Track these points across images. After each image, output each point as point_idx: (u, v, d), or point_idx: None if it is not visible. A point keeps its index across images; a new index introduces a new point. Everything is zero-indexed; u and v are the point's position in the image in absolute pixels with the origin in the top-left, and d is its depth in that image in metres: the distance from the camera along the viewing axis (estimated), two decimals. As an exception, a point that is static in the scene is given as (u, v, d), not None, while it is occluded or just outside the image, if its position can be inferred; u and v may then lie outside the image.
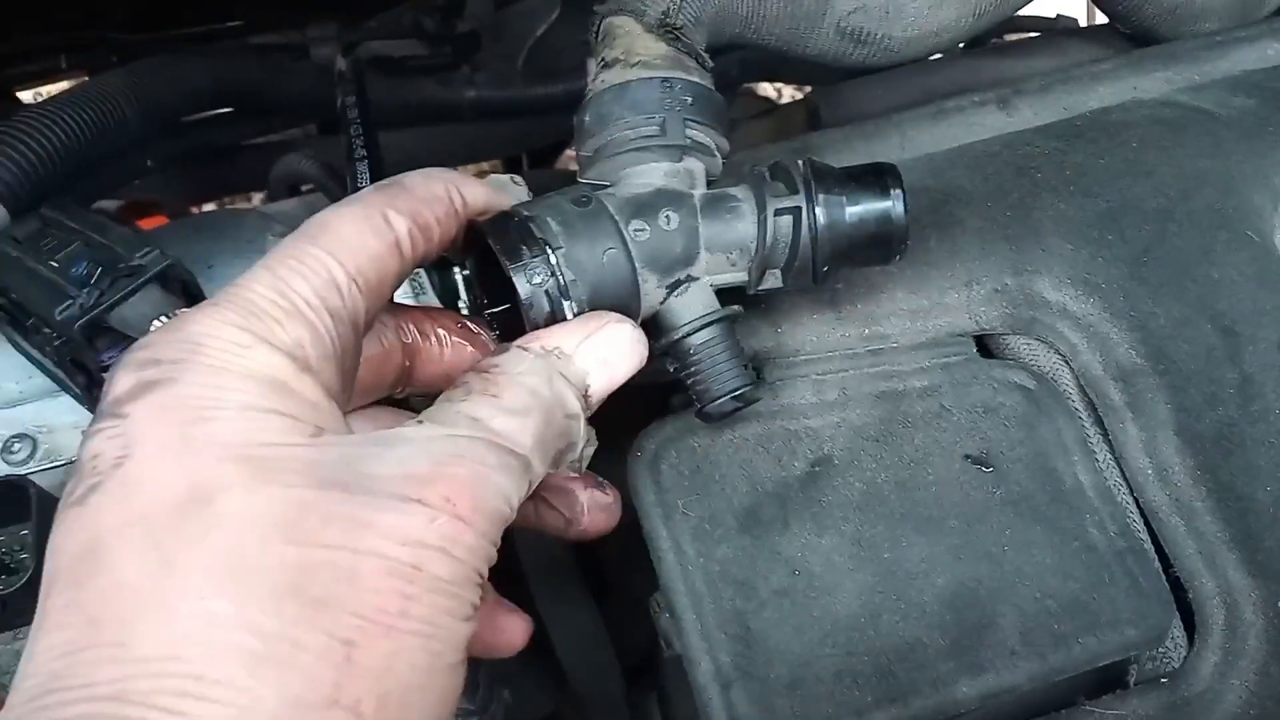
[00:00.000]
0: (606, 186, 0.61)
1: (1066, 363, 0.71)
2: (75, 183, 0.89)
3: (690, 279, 0.59)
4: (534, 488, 0.47)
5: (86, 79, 1.19)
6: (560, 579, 0.91)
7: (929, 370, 0.71)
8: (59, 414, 0.78)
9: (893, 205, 0.59)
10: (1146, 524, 0.68)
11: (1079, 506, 0.66)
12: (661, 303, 0.59)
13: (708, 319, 0.60)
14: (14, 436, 0.77)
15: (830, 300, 0.73)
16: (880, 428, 0.69)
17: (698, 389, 0.62)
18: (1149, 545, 0.67)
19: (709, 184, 0.62)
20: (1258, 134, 0.76)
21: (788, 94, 2.65)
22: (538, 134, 1.60)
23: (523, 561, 0.92)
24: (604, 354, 0.52)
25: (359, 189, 0.88)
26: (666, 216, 0.58)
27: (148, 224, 1.69)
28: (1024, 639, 0.63)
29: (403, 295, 0.94)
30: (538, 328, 0.54)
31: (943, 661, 0.62)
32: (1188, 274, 0.70)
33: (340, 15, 1.48)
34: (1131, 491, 0.68)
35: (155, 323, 0.70)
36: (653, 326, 0.60)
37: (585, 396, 0.51)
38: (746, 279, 0.61)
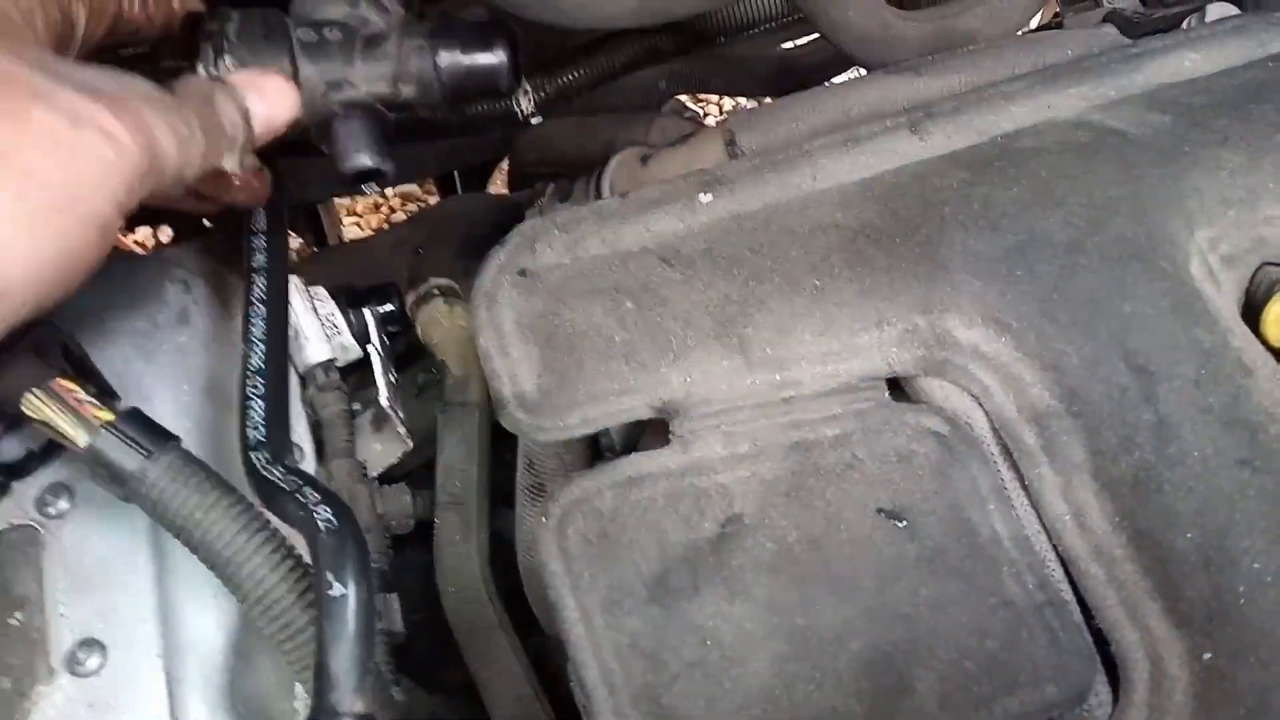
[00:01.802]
0: None
1: (980, 405, 0.69)
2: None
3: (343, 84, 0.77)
4: (193, 163, 0.62)
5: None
6: (488, 634, 0.88)
7: (841, 418, 0.68)
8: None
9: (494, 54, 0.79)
10: (1066, 574, 0.66)
11: (995, 558, 0.64)
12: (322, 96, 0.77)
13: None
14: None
15: (740, 345, 0.70)
16: (791, 481, 0.66)
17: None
18: (1069, 596, 0.65)
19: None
20: (1172, 156, 0.74)
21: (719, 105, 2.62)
22: (467, 152, 1.56)
23: (450, 622, 0.89)
24: (260, 85, 0.71)
25: (254, 229, 0.85)
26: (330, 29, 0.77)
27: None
28: (942, 703, 0.61)
29: (312, 338, 0.91)
30: None
31: (860, 729, 0.60)
32: (1099, 309, 0.68)
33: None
34: (1050, 539, 0.66)
35: (28, 395, 0.66)
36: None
37: (247, 118, 0.69)
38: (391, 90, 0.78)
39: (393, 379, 0.92)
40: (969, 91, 0.84)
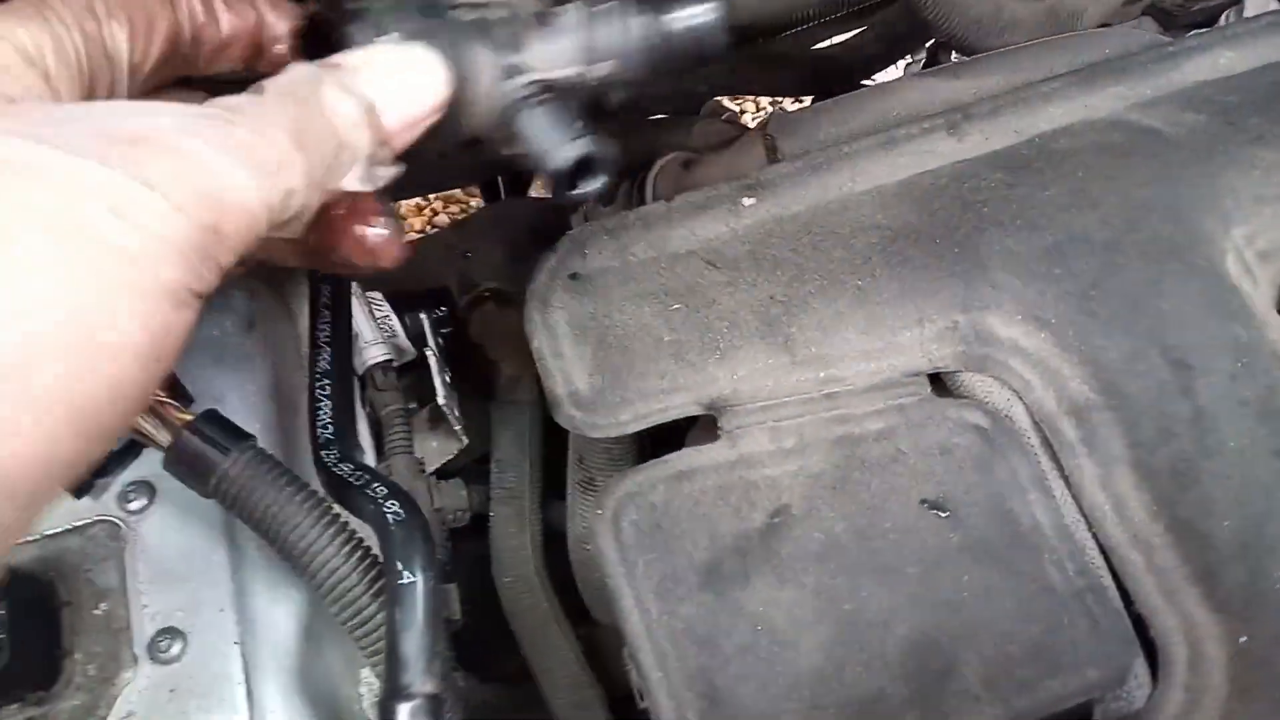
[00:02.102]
0: None
1: (1020, 399, 0.71)
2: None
3: (523, 69, 0.60)
4: (298, 193, 0.43)
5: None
6: (543, 624, 0.91)
7: (885, 412, 0.71)
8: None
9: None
10: (1106, 561, 0.68)
11: (1037, 546, 0.66)
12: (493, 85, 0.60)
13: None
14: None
15: (785, 344, 0.73)
16: (837, 474, 0.69)
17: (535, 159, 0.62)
18: (1109, 583, 0.67)
19: None
20: (1207, 155, 0.76)
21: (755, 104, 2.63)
22: (508, 160, 1.59)
23: (504, 608, 0.93)
24: (396, 70, 0.51)
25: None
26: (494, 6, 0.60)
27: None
28: (986, 685, 0.63)
29: (370, 341, 0.95)
30: None
31: (907, 711, 0.63)
32: (1137, 306, 0.70)
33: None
34: (1090, 528, 0.68)
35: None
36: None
37: (373, 114, 0.48)
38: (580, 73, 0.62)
39: (448, 379, 0.95)
40: (1006, 92, 0.86)
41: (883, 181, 0.80)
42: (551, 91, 0.61)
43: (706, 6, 0.63)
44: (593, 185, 0.61)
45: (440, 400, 0.93)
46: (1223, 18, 1.03)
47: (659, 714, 0.64)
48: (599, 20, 0.62)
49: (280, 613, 0.75)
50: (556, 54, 0.61)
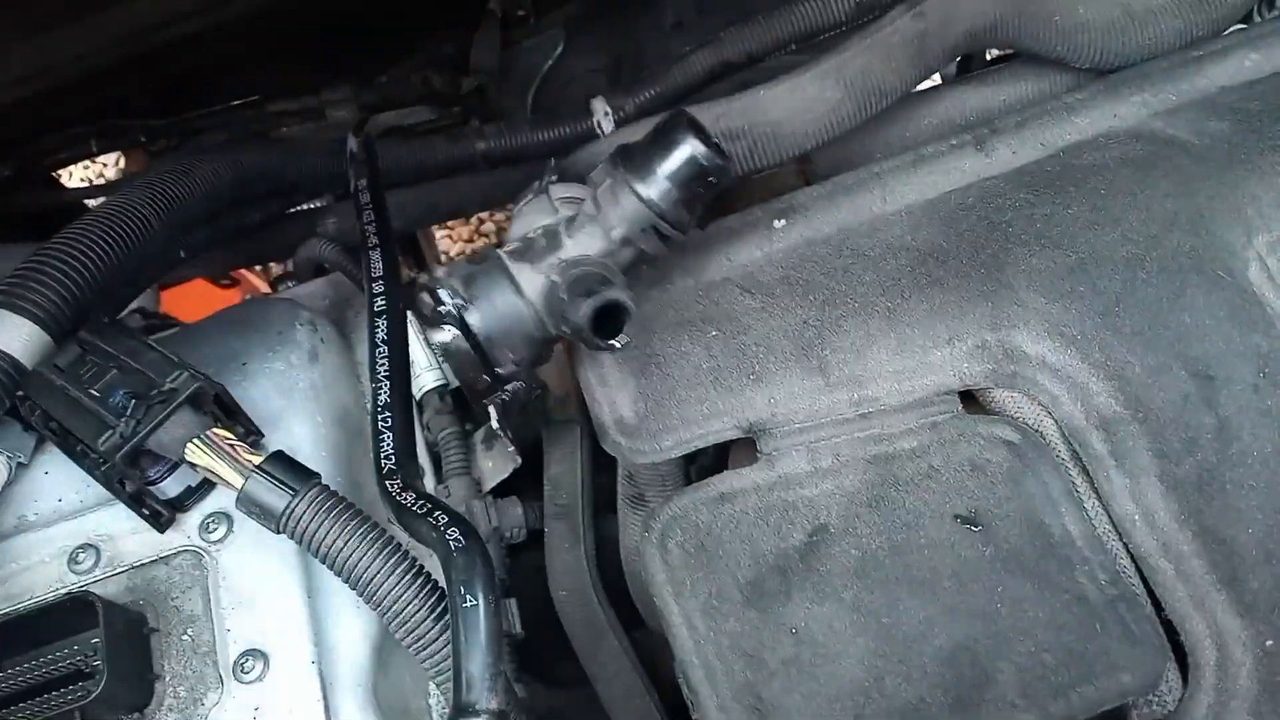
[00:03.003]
0: None
1: (1049, 414, 0.73)
2: (109, 296, 0.94)
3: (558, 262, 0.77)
4: None
5: (111, 173, 1.24)
6: (599, 635, 0.95)
7: (917, 431, 0.73)
8: (118, 521, 0.83)
9: (691, 147, 0.74)
10: (1137, 570, 0.70)
11: (1069, 557, 0.69)
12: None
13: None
14: (79, 547, 0.82)
15: (819, 367, 0.76)
16: (873, 492, 0.72)
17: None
18: (1140, 591, 0.69)
19: None
20: (1229, 164, 0.77)
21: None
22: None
23: (563, 623, 0.96)
24: None
25: (373, 276, 0.93)
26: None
27: (186, 290, 1.76)
28: (1023, 692, 0.66)
29: (426, 366, 0.99)
30: None
31: (946, 719, 0.65)
32: (1160, 320, 0.71)
33: (352, 77, 1.52)
34: (1120, 538, 0.70)
35: (190, 444, 0.75)
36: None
37: None
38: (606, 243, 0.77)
39: (500, 404, 0.99)
40: (1033, 104, 0.87)
41: (911, 201, 0.82)
42: (572, 262, 0.74)
43: (684, 146, 0.74)
44: (619, 338, 0.73)
45: (494, 421, 0.97)
46: (1254, 15, 1.03)
47: (709, 726, 0.67)
48: (610, 203, 0.76)
49: (353, 633, 0.80)
50: (582, 242, 0.76)
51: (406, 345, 0.89)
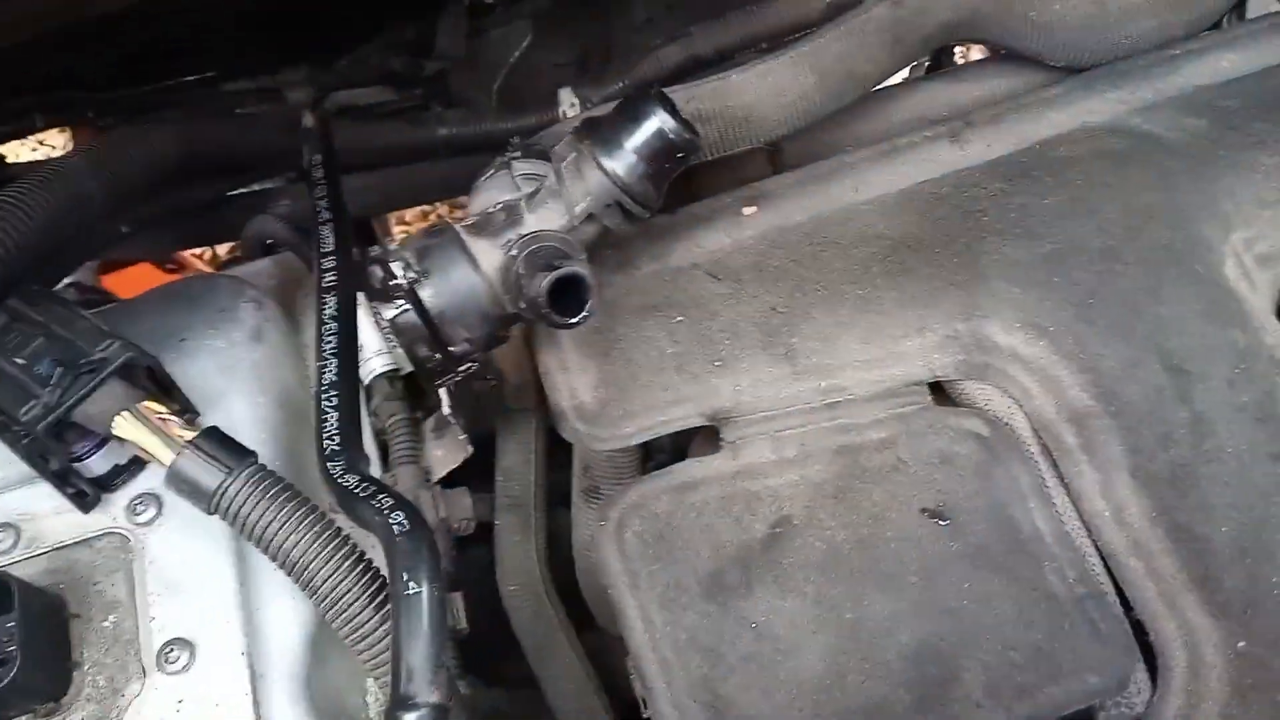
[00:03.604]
0: None
1: (1020, 407, 0.71)
2: (45, 263, 0.90)
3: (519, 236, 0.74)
4: None
5: (60, 150, 1.20)
6: (548, 632, 0.92)
7: (885, 421, 0.71)
8: (40, 501, 0.79)
9: (660, 120, 0.72)
10: (1106, 567, 0.68)
11: (1037, 554, 0.67)
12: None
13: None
14: (-3, 526, 0.78)
15: (786, 354, 0.73)
16: (838, 484, 0.69)
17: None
18: (1109, 589, 0.68)
19: None
20: (1207, 160, 0.76)
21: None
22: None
23: (510, 619, 0.93)
24: None
25: (323, 252, 0.89)
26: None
27: (130, 274, 1.70)
28: (988, 692, 0.63)
29: (376, 350, 0.95)
30: None
31: (910, 718, 0.63)
32: (1136, 313, 0.70)
33: (310, 58, 1.48)
34: (1090, 535, 0.69)
35: (119, 417, 0.71)
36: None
37: None
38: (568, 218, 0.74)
39: (454, 387, 0.96)
40: (1008, 98, 0.86)
41: (884, 191, 0.80)
42: (531, 237, 0.71)
43: (652, 119, 0.72)
44: (579, 314, 0.68)
45: (445, 409, 0.94)
46: (1224, 21, 1.03)
47: (663, 723, 0.64)
48: (575, 178, 0.73)
49: (286, 623, 0.76)
50: (544, 217, 0.73)
51: (355, 323, 0.85)
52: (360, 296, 0.94)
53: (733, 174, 0.95)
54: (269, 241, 1.17)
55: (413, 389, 0.98)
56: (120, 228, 1.12)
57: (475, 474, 1.02)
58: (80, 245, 1.04)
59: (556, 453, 1.00)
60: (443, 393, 0.93)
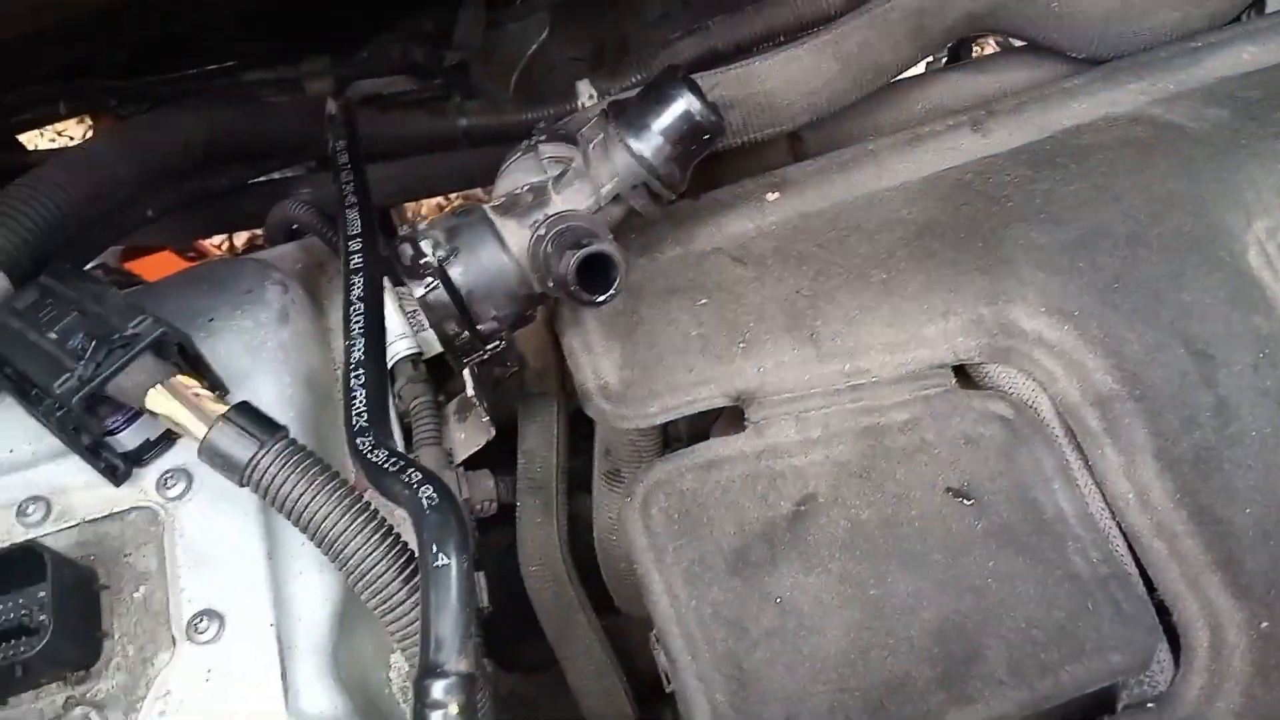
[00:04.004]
0: None
1: (1044, 390, 0.72)
2: (74, 243, 0.91)
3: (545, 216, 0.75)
4: None
5: (78, 141, 1.21)
6: (568, 612, 0.92)
7: (910, 403, 0.72)
8: (71, 475, 0.79)
9: (687, 102, 0.72)
10: (1130, 549, 0.69)
11: (1061, 534, 0.67)
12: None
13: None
14: (29, 499, 0.78)
15: (811, 337, 0.74)
16: (863, 463, 0.70)
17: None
18: (1133, 570, 0.68)
19: None
20: (1229, 149, 0.77)
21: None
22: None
23: (531, 600, 0.94)
24: None
25: (349, 235, 0.90)
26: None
27: (151, 261, 1.72)
28: (1011, 669, 0.64)
29: (400, 334, 0.96)
30: None
31: (932, 694, 0.64)
32: (1160, 299, 0.71)
33: (331, 48, 1.49)
34: (1113, 516, 0.69)
35: (152, 391, 0.72)
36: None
37: None
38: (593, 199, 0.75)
39: (476, 371, 0.96)
40: (1030, 89, 0.87)
41: (908, 178, 0.81)
42: (565, 221, 0.72)
43: (679, 101, 0.72)
44: (606, 292, 0.69)
45: (469, 391, 0.95)
46: (1244, 16, 1.04)
47: (686, 696, 0.65)
48: (601, 160, 0.74)
49: (314, 597, 0.77)
50: (570, 198, 0.74)
51: (382, 304, 0.86)
52: (385, 282, 0.95)
53: (755, 162, 0.96)
54: (294, 227, 1.18)
55: (435, 373, 0.99)
56: (146, 212, 1.13)
57: (496, 459, 1.03)
58: (108, 227, 1.05)
59: (576, 438, 1.01)
60: (466, 374, 0.94)
